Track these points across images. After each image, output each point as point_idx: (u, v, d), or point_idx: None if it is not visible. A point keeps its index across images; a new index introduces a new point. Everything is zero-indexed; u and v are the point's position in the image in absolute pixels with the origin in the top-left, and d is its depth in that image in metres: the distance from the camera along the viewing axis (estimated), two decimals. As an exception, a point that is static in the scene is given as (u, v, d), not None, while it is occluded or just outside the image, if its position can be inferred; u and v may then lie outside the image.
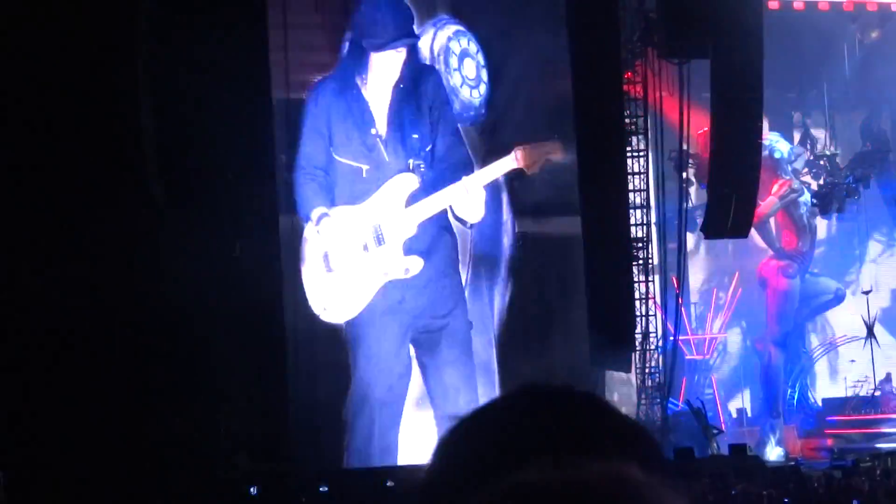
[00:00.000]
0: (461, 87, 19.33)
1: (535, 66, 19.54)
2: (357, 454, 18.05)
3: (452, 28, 19.44)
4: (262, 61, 17.66)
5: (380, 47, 18.25)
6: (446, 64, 19.29)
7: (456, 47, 19.40)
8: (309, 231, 18.03)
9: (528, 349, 19.03)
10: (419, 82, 18.67)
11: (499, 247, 19.40)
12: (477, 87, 19.44)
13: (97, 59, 15.74)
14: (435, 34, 19.31)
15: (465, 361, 18.63)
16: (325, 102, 18.26)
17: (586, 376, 19.15)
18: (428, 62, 19.12)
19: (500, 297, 19.36)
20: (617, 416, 1.15)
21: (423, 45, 19.13)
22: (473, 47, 19.51)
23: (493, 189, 19.14)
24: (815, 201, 24.20)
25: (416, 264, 18.35)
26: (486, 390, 18.52)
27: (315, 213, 17.98)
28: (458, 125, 19.00)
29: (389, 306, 18.24)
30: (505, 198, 19.41)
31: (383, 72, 18.40)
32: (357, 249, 18.15)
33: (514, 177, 19.14)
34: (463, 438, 1.13)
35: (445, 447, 1.13)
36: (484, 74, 19.50)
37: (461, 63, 19.40)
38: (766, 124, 21.92)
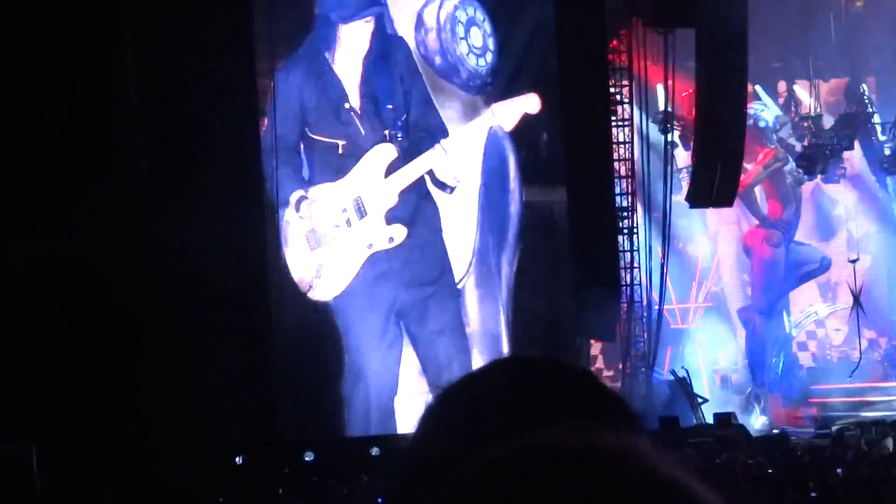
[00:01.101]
0: (467, 55, 19.19)
1: (542, 33, 19.46)
2: (356, 425, 18.13)
3: (459, -4, 19.36)
4: (247, 37, 17.58)
5: (348, 18, 18.20)
6: (452, 33, 19.14)
7: (462, 16, 19.26)
8: (289, 215, 17.96)
9: (536, 317, 19.05)
10: (388, 53, 18.61)
11: (506, 215, 19.36)
12: (483, 55, 19.31)
13: (83, 34, 15.66)
14: (441, 3, 19.16)
15: (455, 331, 18.64)
16: (295, 81, 18.09)
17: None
18: (434, 31, 19.01)
19: (507, 265, 19.33)
20: (607, 388, 1.14)
21: (429, 13, 19.02)
22: (480, 16, 19.38)
23: (500, 157, 19.14)
24: (800, 162, 24.12)
25: (399, 233, 18.36)
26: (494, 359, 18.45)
27: (293, 198, 17.91)
28: (430, 93, 18.93)
29: (375, 278, 18.25)
30: (512, 167, 19.34)
31: (352, 45, 18.33)
32: (340, 225, 18.14)
33: (521, 145, 19.16)
34: (452, 406, 1.12)
35: (434, 414, 1.12)
36: (490, 43, 19.37)
37: (468, 32, 19.26)
38: (750, 92, 21.89)
